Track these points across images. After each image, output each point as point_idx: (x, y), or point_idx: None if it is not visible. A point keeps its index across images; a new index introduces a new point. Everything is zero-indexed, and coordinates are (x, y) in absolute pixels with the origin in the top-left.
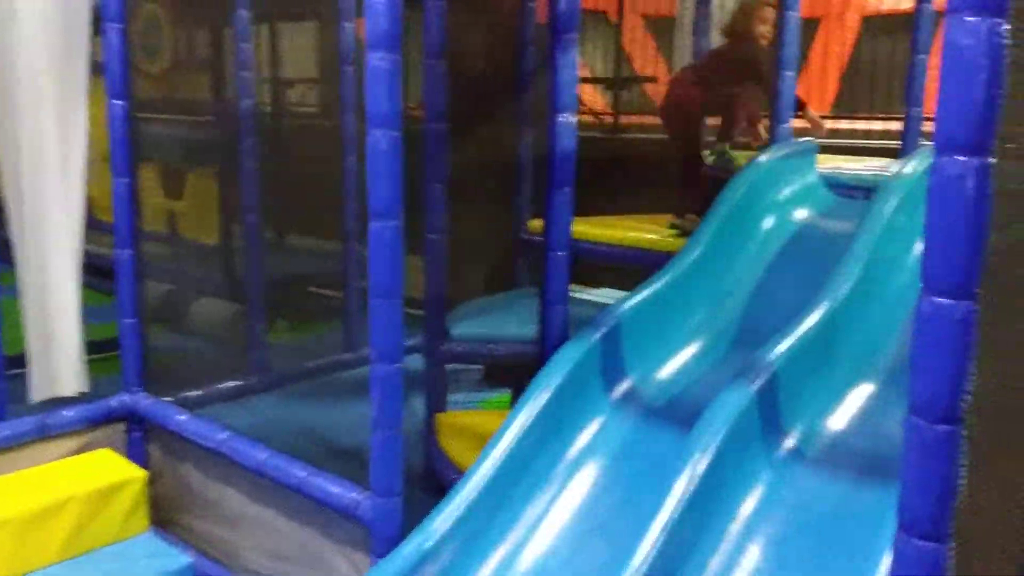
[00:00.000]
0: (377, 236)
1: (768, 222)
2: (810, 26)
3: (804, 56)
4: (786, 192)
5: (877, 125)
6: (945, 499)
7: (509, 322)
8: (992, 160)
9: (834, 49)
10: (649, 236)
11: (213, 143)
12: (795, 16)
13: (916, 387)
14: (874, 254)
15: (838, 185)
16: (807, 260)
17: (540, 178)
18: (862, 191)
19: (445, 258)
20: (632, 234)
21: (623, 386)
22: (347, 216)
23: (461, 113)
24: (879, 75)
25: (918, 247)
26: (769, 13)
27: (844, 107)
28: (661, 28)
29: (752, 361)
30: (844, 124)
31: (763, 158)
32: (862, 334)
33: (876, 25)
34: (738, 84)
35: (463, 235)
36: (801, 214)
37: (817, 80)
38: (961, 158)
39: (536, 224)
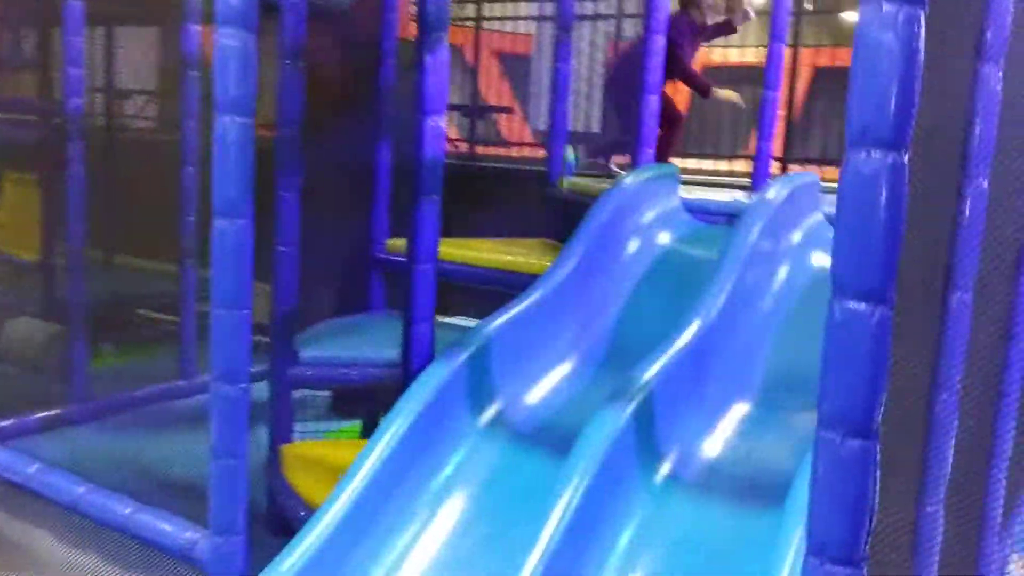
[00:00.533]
0: (221, 237)
1: (634, 244)
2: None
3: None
4: (650, 215)
5: (723, 165)
6: (859, 520)
7: (364, 345)
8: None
9: (682, 98)
10: (511, 258)
11: (35, 146)
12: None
13: (827, 399)
14: (739, 278)
15: (700, 211)
16: (673, 283)
17: (399, 194)
18: (724, 217)
19: (297, 274)
20: (495, 256)
21: (491, 410)
22: (184, 234)
23: (315, 124)
24: (724, 120)
25: (782, 272)
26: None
27: (692, 147)
28: (513, 66)
29: (625, 382)
30: (692, 163)
31: (628, 180)
32: (731, 355)
33: (722, 75)
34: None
35: (315, 252)
36: (665, 237)
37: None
38: (877, 154)
39: (396, 243)
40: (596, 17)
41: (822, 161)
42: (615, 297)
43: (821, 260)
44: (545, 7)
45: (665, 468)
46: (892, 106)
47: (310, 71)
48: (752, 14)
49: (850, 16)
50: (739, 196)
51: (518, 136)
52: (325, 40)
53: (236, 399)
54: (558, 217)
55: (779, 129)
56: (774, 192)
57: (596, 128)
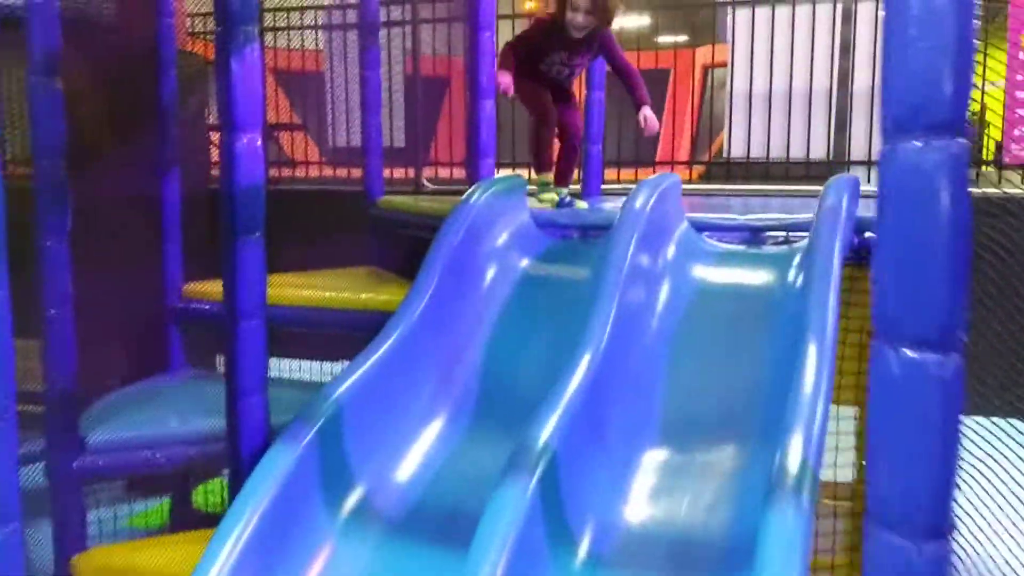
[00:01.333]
0: None
1: (491, 270)
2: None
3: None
4: (504, 235)
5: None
6: None
7: (169, 416)
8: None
9: (462, 106)
10: (348, 294)
11: None
12: None
13: (881, 489)
14: (622, 299)
15: (552, 225)
16: (542, 311)
17: (194, 228)
18: (577, 230)
19: (73, 338)
20: (327, 293)
21: (353, 497)
22: None
23: (83, 153)
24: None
25: (664, 289)
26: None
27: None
28: (290, 83)
29: (522, 447)
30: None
31: (475, 197)
32: (627, 392)
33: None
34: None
35: (95, 307)
36: (524, 259)
37: (448, 136)
38: (935, 142)
39: (195, 288)
40: (391, 24)
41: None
42: (478, 334)
43: (701, 273)
44: (333, 19)
45: (583, 547)
46: (949, 80)
47: (70, 90)
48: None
49: None
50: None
51: (303, 156)
52: (87, 52)
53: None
54: (382, 240)
55: (686, 132)
56: (642, 199)
57: (400, 142)
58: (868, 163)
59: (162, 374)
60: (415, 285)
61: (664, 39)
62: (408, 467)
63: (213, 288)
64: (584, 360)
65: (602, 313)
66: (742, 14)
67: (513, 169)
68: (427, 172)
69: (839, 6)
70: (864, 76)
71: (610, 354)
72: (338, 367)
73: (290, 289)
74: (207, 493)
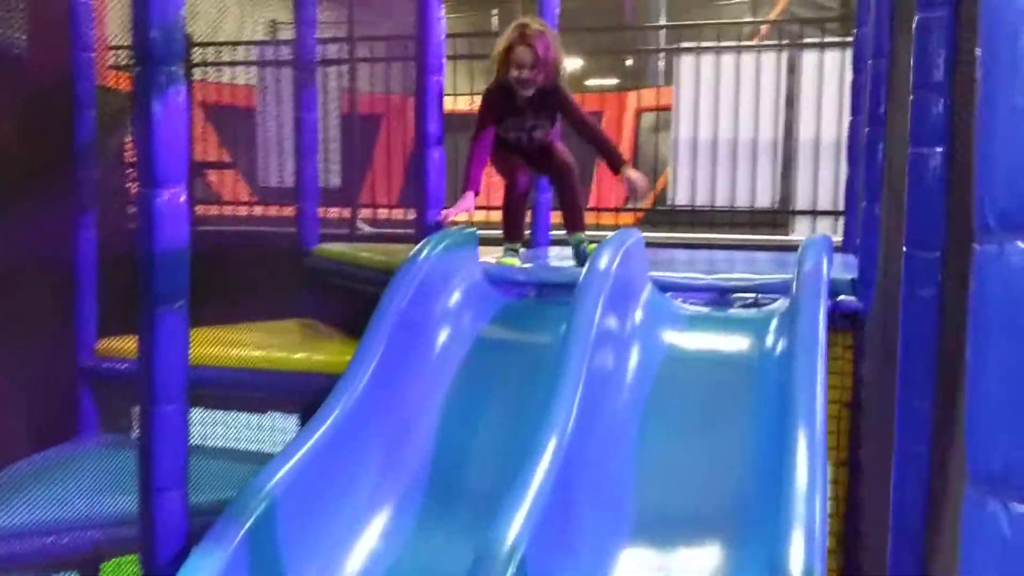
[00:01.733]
0: None
1: (444, 332)
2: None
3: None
4: (457, 295)
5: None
6: None
7: (74, 494)
8: None
9: (397, 144)
10: (282, 353)
11: None
12: None
13: None
14: (590, 370)
15: (507, 283)
16: (500, 381)
17: (110, 281)
18: (534, 288)
19: None
20: (258, 352)
21: None
22: None
23: None
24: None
25: (633, 359)
26: (524, 55)
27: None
28: (219, 118)
29: (486, 552)
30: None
31: (425, 253)
32: (597, 477)
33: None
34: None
35: None
36: (479, 321)
37: (383, 175)
38: None
39: (110, 345)
40: (327, 62)
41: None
42: (429, 407)
43: (672, 339)
44: (267, 54)
45: None
46: None
47: None
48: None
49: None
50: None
51: (231, 195)
52: None
53: None
54: (318, 291)
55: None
56: (607, 258)
57: (335, 182)
58: (813, 212)
59: (70, 441)
60: (359, 351)
61: (593, 82)
62: (353, 567)
63: (132, 345)
64: (550, 446)
65: (568, 388)
66: (687, 60)
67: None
68: (362, 212)
69: (784, 55)
70: (808, 126)
71: (577, 437)
72: (274, 419)
73: (217, 347)
74: (119, 567)
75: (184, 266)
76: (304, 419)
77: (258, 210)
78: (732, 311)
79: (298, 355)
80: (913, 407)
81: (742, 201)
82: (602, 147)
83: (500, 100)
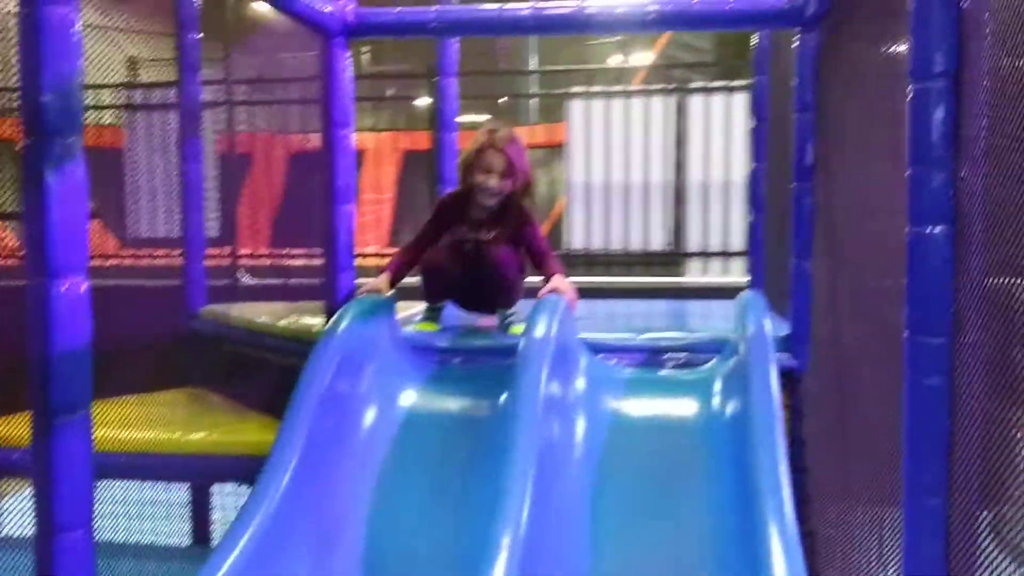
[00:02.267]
0: None
1: (371, 411)
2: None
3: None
4: (381, 366)
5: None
6: None
7: None
8: None
9: (265, 185)
10: (171, 435)
11: None
12: None
13: None
14: (539, 446)
15: (428, 349)
16: (438, 463)
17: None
18: (459, 354)
19: None
20: (141, 433)
21: None
22: None
23: None
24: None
25: (580, 432)
26: (495, 160)
27: (280, 242)
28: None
29: None
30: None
31: (343, 325)
32: (553, 568)
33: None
34: None
35: None
36: (407, 393)
37: (249, 217)
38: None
39: None
40: (208, 105)
41: None
42: (361, 501)
43: (616, 405)
44: (135, 93)
45: None
46: None
47: None
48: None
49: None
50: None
51: (98, 248)
52: None
53: None
54: (207, 356)
55: (386, 216)
56: (544, 325)
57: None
58: (704, 254)
59: None
60: (281, 437)
61: (465, 119)
62: None
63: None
64: (505, 543)
65: (519, 469)
66: (578, 105)
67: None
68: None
69: (672, 98)
70: (697, 169)
71: (533, 526)
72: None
73: (97, 428)
74: None
75: (86, 369)
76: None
77: (126, 261)
78: (669, 372)
79: (194, 436)
80: (925, 505)
81: (636, 244)
82: (549, 262)
83: (456, 208)
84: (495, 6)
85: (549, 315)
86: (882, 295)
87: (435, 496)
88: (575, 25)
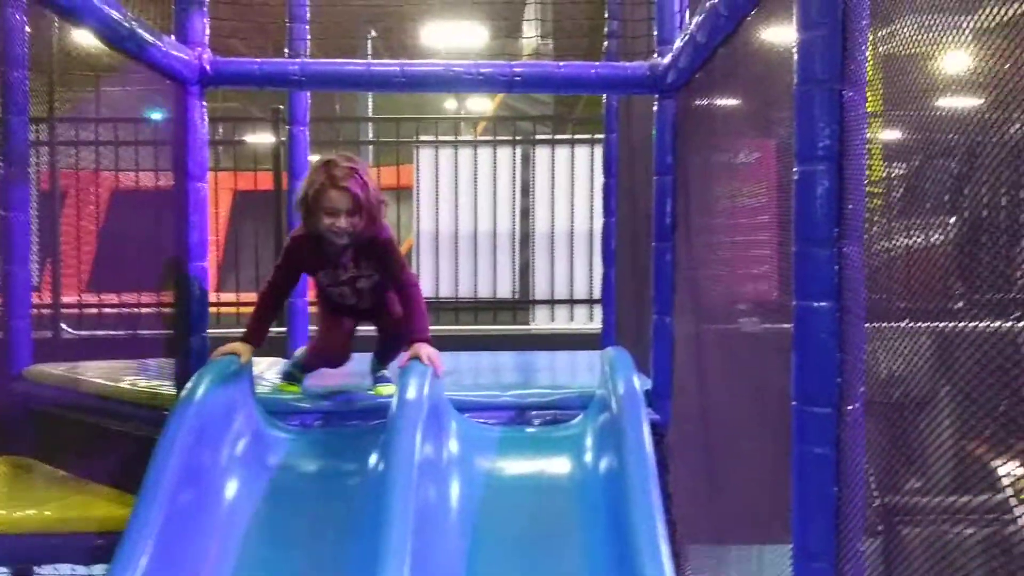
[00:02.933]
0: None
1: (232, 483)
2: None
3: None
4: (240, 434)
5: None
6: None
7: None
8: None
9: (85, 225)
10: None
11: None
12: None
13: None
14: (416, 511)
15: (288, 413)
16: (308, 531)
17: None
18: (320, 417)
19: None
20: None
21: None
22: None
23: None
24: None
25: (455, 490)
26: (339, 199)
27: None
28: None
29: None
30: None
31: (199, 393)
32: None
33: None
34: None
35: None
36: (268, 461)
37: (72, 257)
38: None
39: None
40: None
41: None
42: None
43: (487, 465)
44: None
45: None
46: None
47: None
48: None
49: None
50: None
51: None
52: None
53: None
54: (32, 422)
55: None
56: (415, 388)
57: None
58: (551, 302)
59: None
60: (135, 519)
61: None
62: None
63: None
64: None
65: (396, 538)
66: (425, 153)
67: None
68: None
69: (518, 149)
70: (543, 217)
71: None
72: None
73: None
74: None
75: None
76: None
77: None
78: (538, 430)
79: (18, 513)
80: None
81: (484, 293)
82: (411, 316)
83: (309, 251)
84: (362, 62)
85: (419, 377)
86: (745, 352)
87: (308, 570)
88: (442, 83)
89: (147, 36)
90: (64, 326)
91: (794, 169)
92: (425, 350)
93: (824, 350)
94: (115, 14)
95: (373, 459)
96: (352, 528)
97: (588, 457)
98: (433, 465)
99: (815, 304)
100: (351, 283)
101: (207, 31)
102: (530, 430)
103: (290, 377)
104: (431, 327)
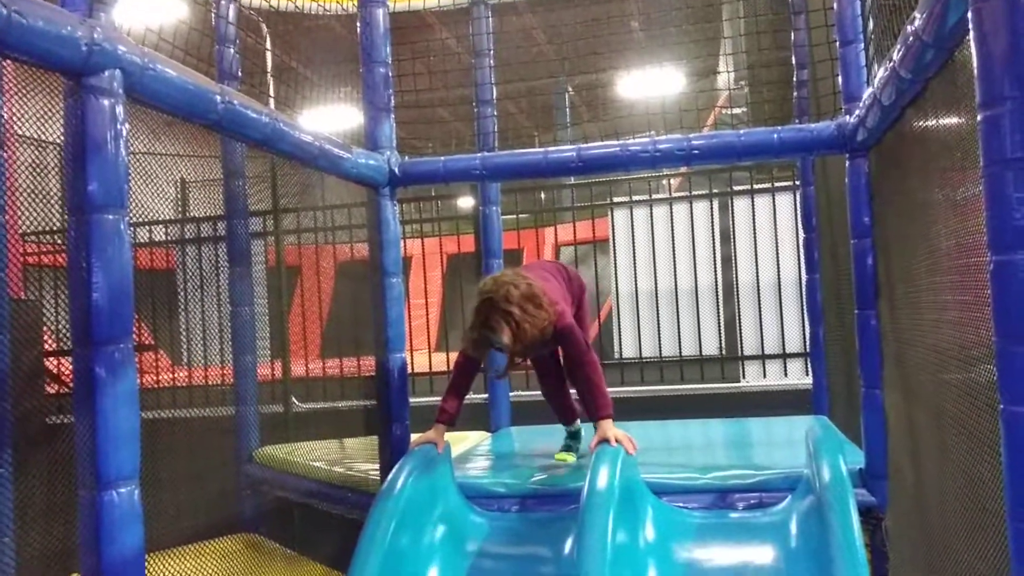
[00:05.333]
0: None
1: (434, 570)
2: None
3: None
4: (439, 520)
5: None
6: None
7: None
8: None
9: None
10: None
11: None
12: None
13: None
14: None
15: (486, 497)
16: None
17: None
18: (517, 501)
19: None
20: None
21: None
22: None
23: None
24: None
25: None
26: (496, 341)
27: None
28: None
29: None
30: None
31: (401, 482)
32: None
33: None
34: None
35: None
36: (466, 546)
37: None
38: None
39: None
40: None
41: None
42: None
43: (687, 553)
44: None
45: None
46: None
47: None
48: None
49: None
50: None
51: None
52: None
53: None
54: (259, 501)
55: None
56: (606, 473)
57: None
58: (761, 357)
59: None
60: None
61: (507, 217)
62: None
63: None
64: None
65: None
66: (621, 212)
67: None
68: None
69: (716, 201)
70: (747, 268)
71: None
72: None
73: None
74: None
75: (141, 566)
76: None
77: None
78: (741, 515)
79: None
80: None
81: (688, 350)
82: (592, 394)
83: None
84: (539, 150)
85: (612, 462)
86: (966, 438)
87: None
88: (619, 164)
89: (338, 152)
90: (294, 399)
91: (988, 258)
92: (612, 431)
93: None
94: (306, 137)
95: (567, 546)
96: None
97: (794, 545)
98: (628, 552)
99: (1021, 409)
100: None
101: (394, 136)
102: (733, 515)
103: (568, 447)
104: (635, 387)
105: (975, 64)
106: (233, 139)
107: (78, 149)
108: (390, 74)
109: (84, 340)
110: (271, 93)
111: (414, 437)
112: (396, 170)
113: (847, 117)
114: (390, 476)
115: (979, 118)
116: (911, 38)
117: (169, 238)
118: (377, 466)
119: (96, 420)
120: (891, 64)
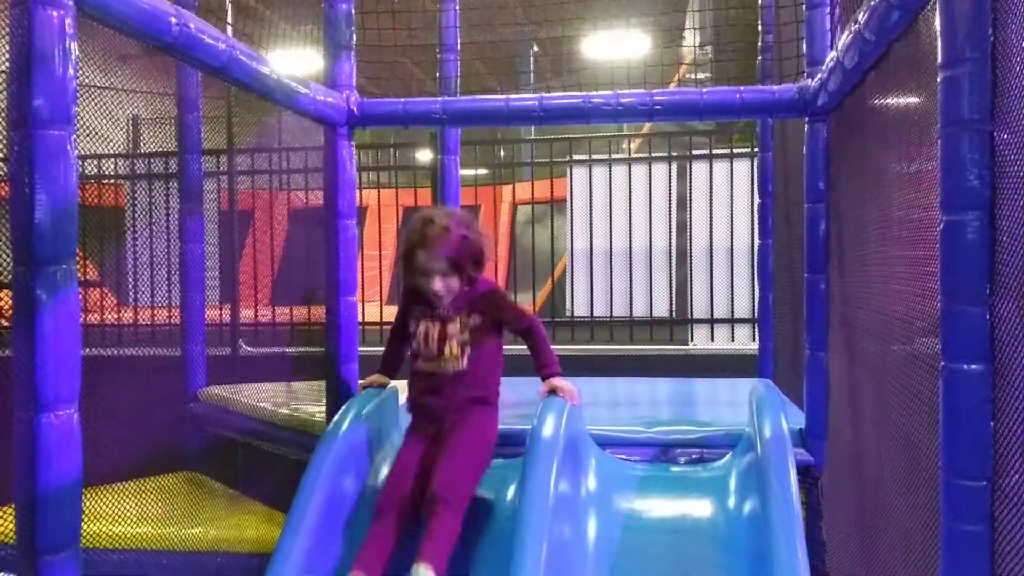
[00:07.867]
0: None
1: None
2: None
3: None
4: (385, 468)
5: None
6: None
7: None
8: None
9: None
10: (174, 529)
11: None
12: None
13: None
14: (549, 545)
15: None
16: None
17: None
18: None
19: None
20: (147, 529)
21: None
22: None
23: None
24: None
25: (592, 527)
26: (434, 261)
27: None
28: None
29: None
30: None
31: (344, 425)
32: None
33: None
34: None
35: None
36: None
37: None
38: None
39: None
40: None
41: None
42: None
43: (627, 504)
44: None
45: None
46: None
47: None
48: None
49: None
50: None
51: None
52: None
53: None
54: (203, 440)
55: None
56: (551, 425)
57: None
58: (710, 321)
59: None
60: (280, 549)
61: (466, 172)
62: None
63: None
64: None
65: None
66: (579, 171)
67: None
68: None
69: (675, 165)
70: (702, 233)
71: None
72: None
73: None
74: None
75: (76, 508)
76: None
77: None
78: (682, 469)
79: (191, 530)
80: None
81: (639, 311)
82: (540, 353)
83: (420, 301)
84: (501, 97)
85: (557, 412)
86: (904, 398)
87: None
88: (582, 115)
89: (294, 85)
90: (242, 343)
91: (939, 218)
92: (562, 382)
93: (976, 417)
94: (263, 68)
95: (510, 493)
96: (489, 558)
97: (732, 501)
98: (569, 502)
99: (965, 367)
100: (455, 341)
101: (354, 75)
102: (675, 469)
103: None
104: (585, 345)
105: (938, 25)
106: (188, 64)
107: (23, 63)
108: (352, 11)
109: (25, 259)
110: (229, 20)
111: (361, 381)
112: (355, 109)
113: (809, 80)
114: (335, 417)
115: (939, 78)
116: None
117: (120, 173)
118: (323, 408)
119: (36, 341)
120: (856, 26)
